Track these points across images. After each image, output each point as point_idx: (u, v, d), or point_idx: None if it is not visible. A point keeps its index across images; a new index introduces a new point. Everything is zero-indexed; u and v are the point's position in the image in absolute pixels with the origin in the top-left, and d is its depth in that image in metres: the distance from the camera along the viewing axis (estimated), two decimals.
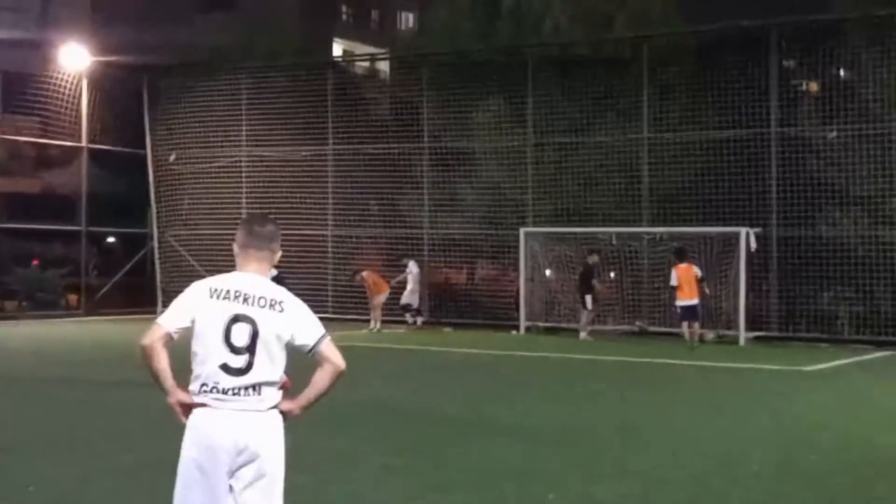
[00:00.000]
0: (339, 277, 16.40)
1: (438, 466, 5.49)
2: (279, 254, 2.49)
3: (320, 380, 2.24)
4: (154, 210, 18.08)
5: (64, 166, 18.16)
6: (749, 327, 14.20)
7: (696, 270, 13.18)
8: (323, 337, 2.30)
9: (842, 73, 15.99)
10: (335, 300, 16.37)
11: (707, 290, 13.60)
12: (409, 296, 15.48)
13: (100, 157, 18.16)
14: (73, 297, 17.11)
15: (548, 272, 16.05)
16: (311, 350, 2.25)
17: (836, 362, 12.80)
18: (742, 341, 14.15)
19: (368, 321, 14.97)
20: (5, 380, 9.08)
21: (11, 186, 17.98)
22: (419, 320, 15.54)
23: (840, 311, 15.33)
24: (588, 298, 14.24)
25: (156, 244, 17.77)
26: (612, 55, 16.06)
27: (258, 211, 15.04)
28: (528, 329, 15.27)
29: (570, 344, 14.26)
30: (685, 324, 13.13)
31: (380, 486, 4.79)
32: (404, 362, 12.58)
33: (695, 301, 13.02)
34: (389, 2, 34.46)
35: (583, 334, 14.17)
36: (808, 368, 11.99)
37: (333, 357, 2.28)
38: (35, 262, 17.06)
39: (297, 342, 2.25)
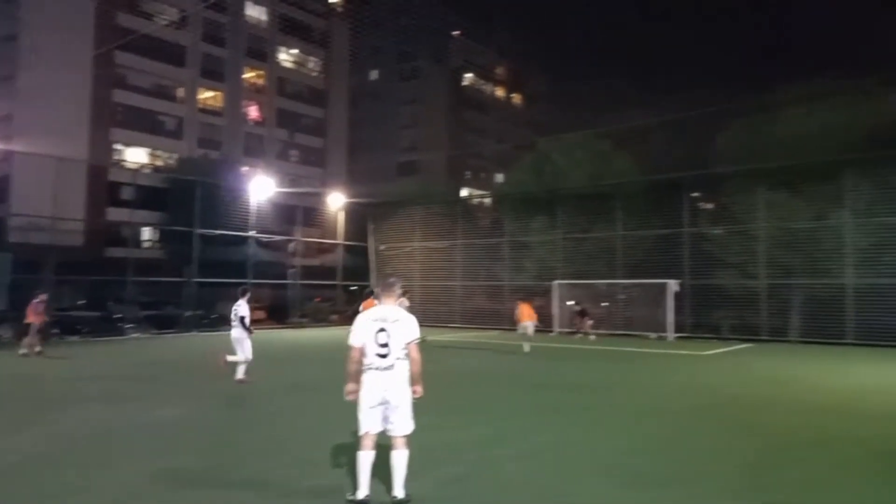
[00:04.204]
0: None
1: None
2: (399, 293, 5.30)
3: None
4: (373, 272, 32.22)
5: (330, 252, 34.10)
6: (675, 330, 23.71)
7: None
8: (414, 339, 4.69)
9: (722, 199, 26.97)
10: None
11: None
12: None
13: (347, 247, 32.84)
14: (334, 317, 30.85)
15: (569, 302, 27.14)
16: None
17: (719, 350, 19.63)
18: (670, 338, 23.32)
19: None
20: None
21: (306, 263, 34.26)
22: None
23: (723, 321, 24.79)
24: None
25: (372, 291, 32.61)
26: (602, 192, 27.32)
27: (416, 272, 29.88)
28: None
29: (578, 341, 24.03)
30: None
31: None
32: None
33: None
34: (489, 167, 52.20)
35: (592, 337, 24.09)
36: (704, 353, 18.49)
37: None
38: (317, 299, 33.05)
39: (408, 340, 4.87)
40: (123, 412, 9.09)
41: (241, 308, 11.77)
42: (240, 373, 11.68)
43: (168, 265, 30.83)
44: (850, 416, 9.35)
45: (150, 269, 27.50)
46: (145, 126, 44.67)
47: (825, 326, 21.91)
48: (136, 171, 39.50)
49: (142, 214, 31.84)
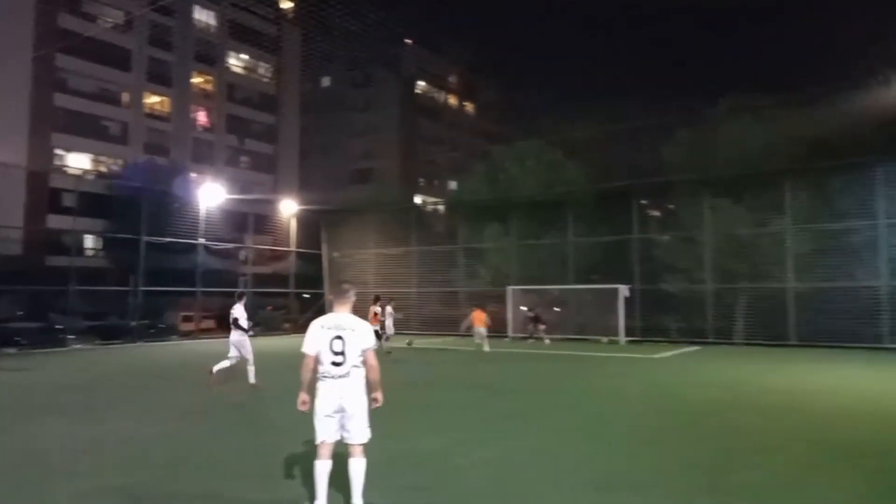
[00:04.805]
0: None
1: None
2: (353, 300, 5.12)
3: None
4: (327, 280, 32.14)
5: (283, 260, 33.62)
6: (626, 334, 24.19)
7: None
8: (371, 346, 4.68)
9: (669, 206, 28.65)
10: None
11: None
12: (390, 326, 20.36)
13: (300, 255, 32.47)
14: (287, 325, 30.78)
15: (522, 308, 27.85)
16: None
17: (669, 353, 20.11)
18: (622, 342, 23.83)
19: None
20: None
21: (258, 271, 33.67)
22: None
23: (672, 325, 25.75)
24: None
25: (326, 299, 32.21)
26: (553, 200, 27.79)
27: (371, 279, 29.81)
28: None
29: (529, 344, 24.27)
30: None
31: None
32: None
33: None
34: (443, 175, 52.66)
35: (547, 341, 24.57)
36: (655, 356, 19.03)
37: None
38: (269, 308, 32.42)
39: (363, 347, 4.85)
40: (71, 427, 8.74)
41: (236, 311, 12.27)
42: (251, 377, 12.18)
43: (113, 274, 29.88)
44: (801, 415, 9.63)
45: (93, 278, 26.61)
46: (88, 131, 43.27)
47: (768, 329, 22.67)
48: (78, 178, 38.21)
49: (85, 222, 30.72)
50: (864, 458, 7.10)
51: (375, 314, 19.28)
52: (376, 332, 19.01)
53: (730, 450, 7.42)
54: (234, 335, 12.20)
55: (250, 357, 12.20)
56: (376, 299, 20.08)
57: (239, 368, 12.30)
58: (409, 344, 22.23)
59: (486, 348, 20.65)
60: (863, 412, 9.95)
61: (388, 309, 20.36)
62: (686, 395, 11.80)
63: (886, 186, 21.36)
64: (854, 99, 24.65)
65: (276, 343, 24.28)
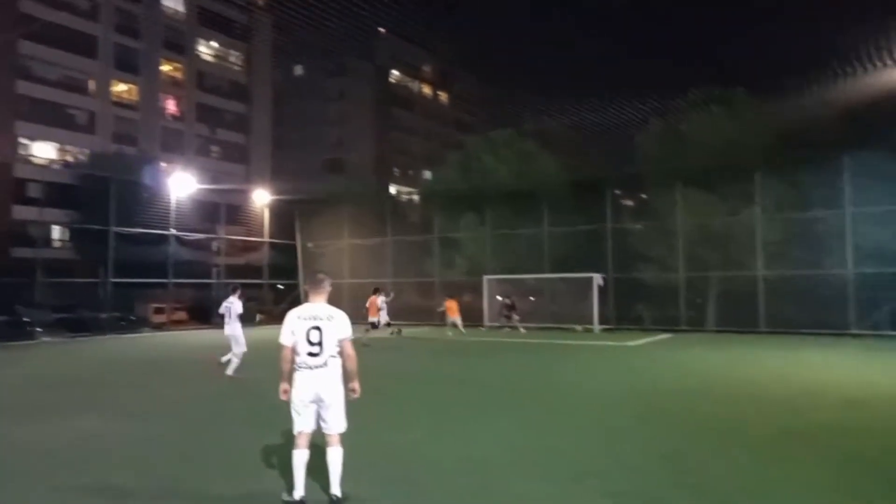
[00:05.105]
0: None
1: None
2: (329, 290, 5.13)
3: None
4: (300, 270, 31.91)
5: (256, 250, 33.27)
6: (600, 322, 24.42)
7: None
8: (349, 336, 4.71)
9: (642, 196, 29.28)
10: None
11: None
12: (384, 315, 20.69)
13: (273, 245, 32.38)
14: (261, 317, 29.95)
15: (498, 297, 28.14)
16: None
17: (642, 340, 20.44)
18: (596, 330, 24.06)
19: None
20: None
21: (231, 262, 33.30)
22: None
23: (645, 313, 26.30)
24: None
25: (301, 290, 31.65)
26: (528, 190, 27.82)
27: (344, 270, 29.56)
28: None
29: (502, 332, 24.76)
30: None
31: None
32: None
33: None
34: (417, 165, 52.76)
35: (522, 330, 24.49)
36: (629, 344, 19.40)
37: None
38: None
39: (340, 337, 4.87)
40: (39, 425, 8.50)
41: (236, 305, 12.35)
42: (230, 369, 12.14)
43: (81, 266, 29.30)
44: (770, 403, 9.73)
45: (61, 270, 26.09)
46: (54, 120, 42.18)
47: (739, 316, 23.05)
48: (44, 167, 37.33)
49: (52, 212, 30.08)
50: (833, 447, 7.23)
51: (379, 310, 19.64)
52: (372, 324, 19.35)
53: (701, 438, 7.46)
54: (228, 328, 12.28)
55: (240, 350, 12.25)
56: (376, 291, 20.22)
57: (244, 361, 12.28)
58: (398, 332, 22.19)
59: (463, 331, 22.04)
60: (833, 397, 10.14)
61: (381, 298, 20.47)
62: (659, 383, 11.90)
63: (853, 176, 21.80)
64: (822, 91, 25.11)
65: (249, 334, 24.04)
